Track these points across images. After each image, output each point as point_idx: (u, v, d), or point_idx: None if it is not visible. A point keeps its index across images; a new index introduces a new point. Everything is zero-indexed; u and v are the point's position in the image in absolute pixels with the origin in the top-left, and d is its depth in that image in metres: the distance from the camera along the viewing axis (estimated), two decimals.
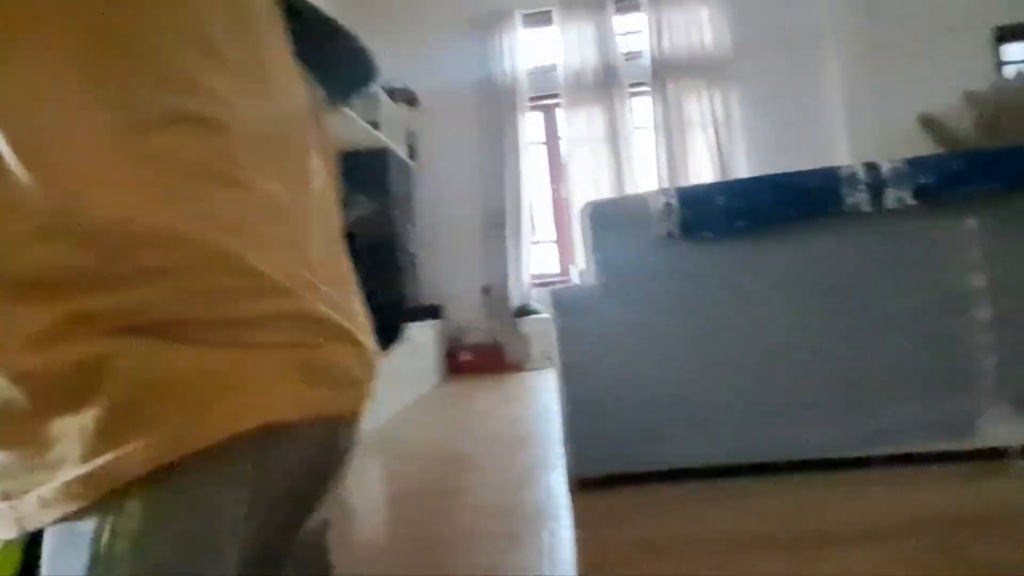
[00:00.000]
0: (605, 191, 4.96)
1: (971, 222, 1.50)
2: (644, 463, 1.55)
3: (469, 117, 5.14)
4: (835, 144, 4.79)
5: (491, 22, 5.02)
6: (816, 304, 1.53)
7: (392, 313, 3.94)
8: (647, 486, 1.54)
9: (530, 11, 5.08)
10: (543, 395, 3.39)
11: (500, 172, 5.03)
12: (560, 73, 5.02)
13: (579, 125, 5.03)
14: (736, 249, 1.53)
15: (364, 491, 1.95)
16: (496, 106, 5.03)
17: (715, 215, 1.51)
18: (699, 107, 4.87)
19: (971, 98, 4.55)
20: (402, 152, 4.61)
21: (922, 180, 1.47)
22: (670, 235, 1.51)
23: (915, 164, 1.48)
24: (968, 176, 1.47)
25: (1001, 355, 1.49)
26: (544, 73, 5.14)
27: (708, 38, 4.85)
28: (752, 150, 4.82)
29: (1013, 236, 1.50)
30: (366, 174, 4.12)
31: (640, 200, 1.55)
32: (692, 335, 1.53)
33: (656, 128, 4.92)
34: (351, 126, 3.72)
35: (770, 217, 1.51)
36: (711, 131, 4.84)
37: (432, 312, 4.74)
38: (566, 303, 1.57)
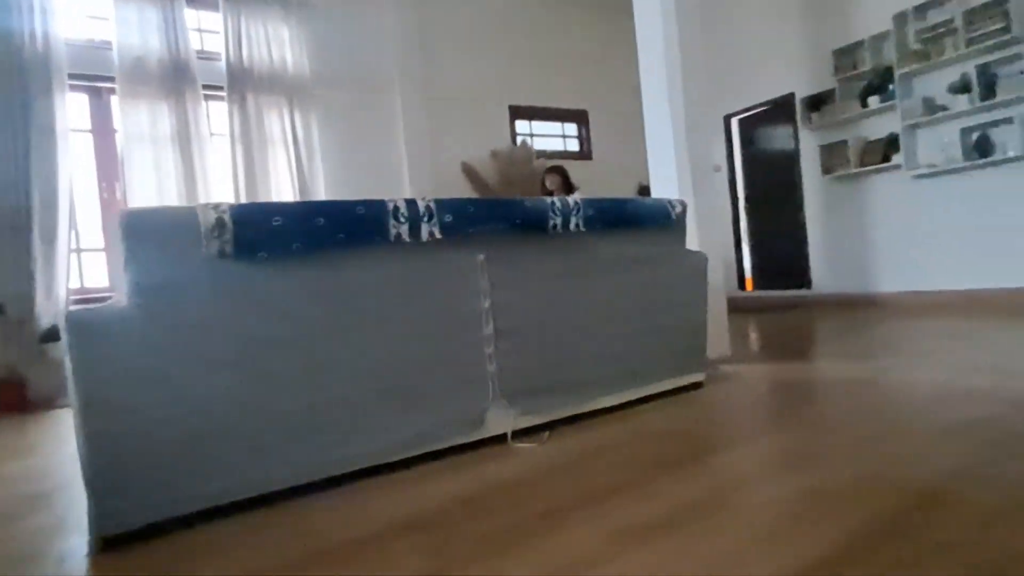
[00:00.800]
0: (172, 197, 4.45)
1: (480, 256, 1.88)
2: (188, 504, 1.42)
3: None
4: (400, 173, 5.44)
5: None
6: (364, 323, 1.68)
7: None
8: (192, 530, 1.41)
9: None
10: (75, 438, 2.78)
11: (24, 159, 3.98)
12: (116, 54, 4.29)
13: (140, 119, 4.39)
14: (290, 271, 1.55)
15: None
16: (17, 74, 3.97)
17: (271, 235, 1.51)
18: (280, 124, 4.84)
19: (495, 155, 5.90)
20: None
21: (446, 219, 1.78)
22: (221, 254, 1.44)
23: (440, 204, 1.78)
24: (478, 218, 1.85)
25: (499, 361, 1.91)
26: (94, 49, 4.33)
27: (289, 58, 4.87)
28: (329, 172, 5.05)
29: (507, 267, 1.94)
30: None
31: (189, 213, 1.43)
32: (242, 360, 1.47)
33: (234, 137, 4.67)
34: None
35: (325, 241, 1.59)
36: (292, 149, 4.85)
37: None
38: (89, 327, 1.32)
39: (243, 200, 4.68)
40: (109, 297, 3.96)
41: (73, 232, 4.20)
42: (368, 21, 5.31)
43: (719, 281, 3.15)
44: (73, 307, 1.32)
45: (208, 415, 1.43)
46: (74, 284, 4.22)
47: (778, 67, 5.63)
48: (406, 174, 5.39)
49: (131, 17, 4.35)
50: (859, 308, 4.95)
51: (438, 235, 1.76)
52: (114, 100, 4.41)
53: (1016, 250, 4.23)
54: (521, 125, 6.18)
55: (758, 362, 3.03)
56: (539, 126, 6.32)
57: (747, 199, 6.17)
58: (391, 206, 1.71)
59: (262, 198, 4.76)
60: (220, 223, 1.44)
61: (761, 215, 6.07)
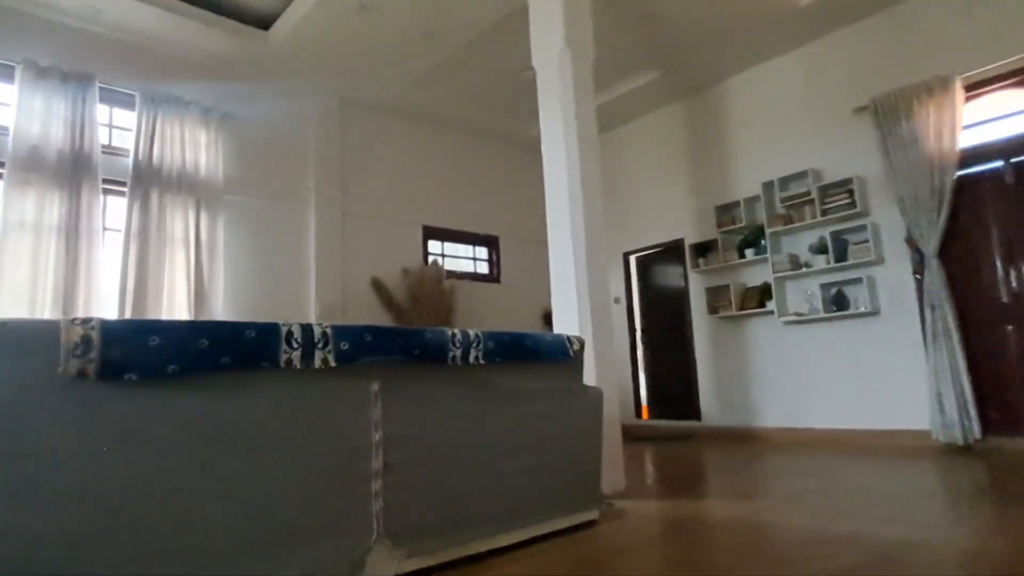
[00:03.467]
0: (47, 289, 4.11)
1: (375, 385, 1.84)
2: None
3: None
4: (307, 284, 5.35)
5: None
6: (239, 456, 1.55)
7: None
8: None
9: None
10: None
11: None
12: (10, 140, 4.10)
13: (27, 207, 4.13)
14: (161, 395, 1.43)
15: None
16: None
17: (145, 356, 1.41)
18: (184, 224, 4.70)
19: (405, 273, 5.97)
20: None
21: (343, 346, 1.75)
22: (82, 374, 1.32)
23: (338, 331, 1.75)
24: (376, 347, 1.83)
25: (386, 498, 1.81)
26: None
27: (203, 161, 4.84)
28: (231, 277, 4.90)
29: (402, 398, 1.90)
30: None
31: (49, 327, 1.32)
32: (88, 497, 1.30)
33: (130, 233, 4.47)
34: None
35: (206, 365, 1.50)
36: (192, 250, 4.69)
37: None
38: None
39: (129, 296, 4.40)
40: None
41: None
42: (289, 135, 5.43)
43: (615, 413, 3.23)
44: None
45: (36, 564, 1.23)
46: None
47: (670, 215, 6.23)
48: (313, 285, 5.30)
49: (36, 106, 4.21)
50: (742, 441, 5.20)
51: (332, 363, 1.71)
52: None
53: (868, 395, 4.68)
54: (434, 245, 6.34)
55: (650, 498, 3.05)
56: (451, 247, 6.51)
57: (643, 330, 6.52)
58: (284, 330, 1.66)
59: (152, 297, 4.49)
60: (86, 340, 1.33)
61: (656, 346, 6.41)
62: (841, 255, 4.83)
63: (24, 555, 1.23)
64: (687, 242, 6.04)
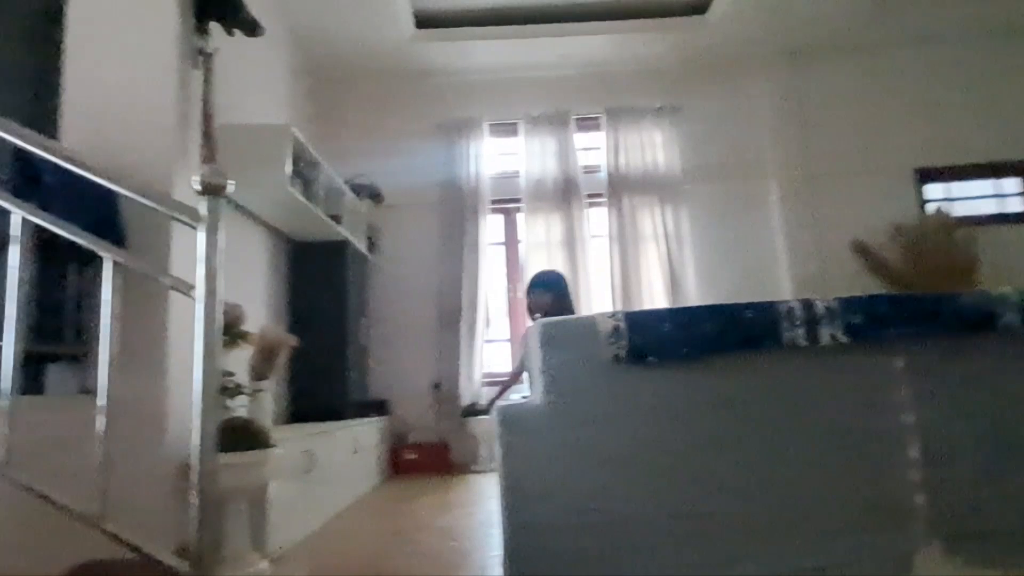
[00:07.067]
0: None
1: (899, 362, 1.57)
2: None
3: (431, 215, 5.26)
4: (776, 260, 5.10)
5: (460, 128, 5.28)
6: (750, 435, 1.55)
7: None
8: None
9: (497, 122, 5.38)
10: (487, 503, 3.27)
11: (458, 270, 5.10)
12: (522, 180, 5.25)
13: (538, 230, 5.21)
14: (674, 376, 1.55)
15: None
16: (458, 207, 5.19)
17: (661, 341, 1.55)
18: (652, 221, 5.14)
19: (899, 230, 4.94)
20: (361, 245, 4.65)
21: (852, 320, 1.55)
22: (616, 358, 1.54)
23: (846, 304, 1.57)
24: (894, 319, 1.56)
25: (931, 493, 1.52)
26: (507, 179, 5.38)
27: (661, 159, 5.20)
28: (700, 264, 5.08)
29: (936, 377, 1.57)
30: (323, 264, 4.16)
31: (589, 322, 1.58)
32: (632, 459, 1.52)
33: (611, 237, 5.14)
34: (313, 219, 3.77)
35: (712, 346, 1.56)
36: (663, 244, 5.08)
37: (379, 407, 4.61)
38: (513, 420, 1.56)
39: (617, 292, 5.05)
40: (503, 378, 4.63)
41: (487, 326, 5.15)
42: (740, 112, 5.28)
43: None
44: (504, 404, 1.57)
45: (603, 510, 1.49)
46: (485, 369, 5.11)
47: None
48: (784, 260, 5.04)
49: (535, 149, 5.28)
50: None
51: (842, 339, 1.55)
52: (519, 217, 5.36)
53: None
54: (932, 189, 5.14)
55: None
56: (959, 187, 5.17)
57: None
58: (784, 308, 1.58)
59: (634, 292, 5.06)
60: (616, 330, 1.55)
61: None
62: None
63: (581, 503, 1.50)
64: None
